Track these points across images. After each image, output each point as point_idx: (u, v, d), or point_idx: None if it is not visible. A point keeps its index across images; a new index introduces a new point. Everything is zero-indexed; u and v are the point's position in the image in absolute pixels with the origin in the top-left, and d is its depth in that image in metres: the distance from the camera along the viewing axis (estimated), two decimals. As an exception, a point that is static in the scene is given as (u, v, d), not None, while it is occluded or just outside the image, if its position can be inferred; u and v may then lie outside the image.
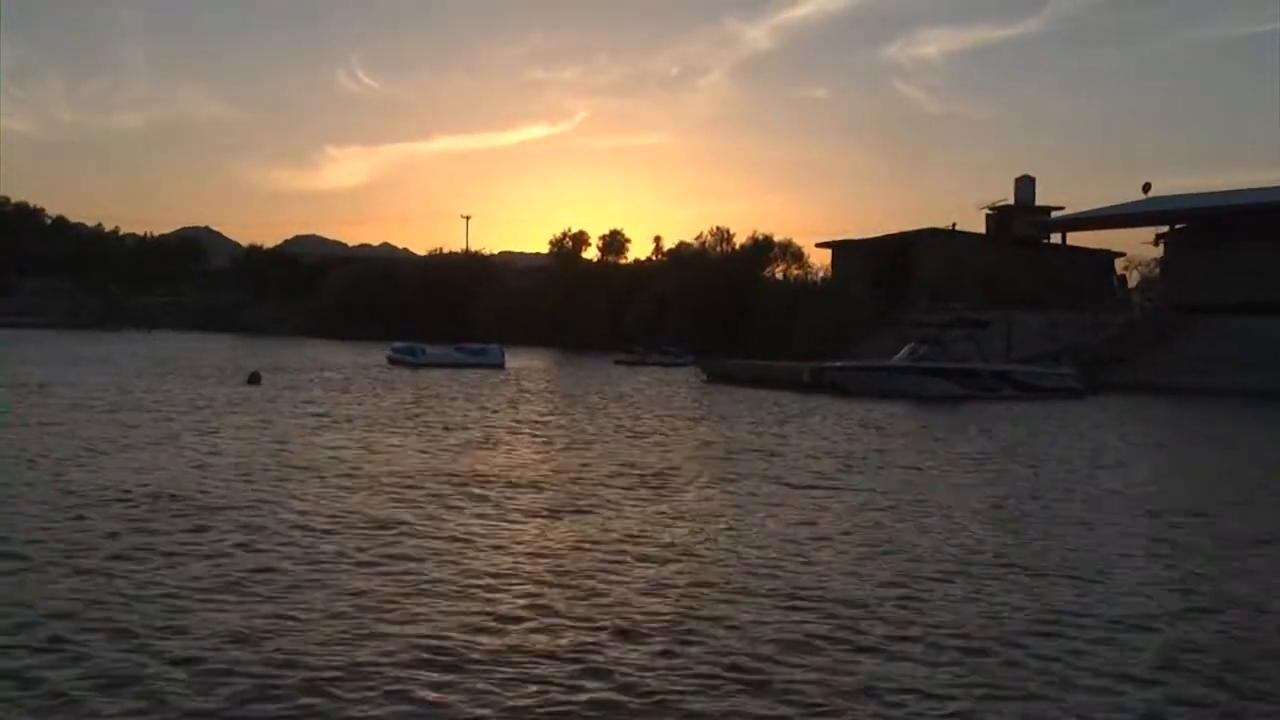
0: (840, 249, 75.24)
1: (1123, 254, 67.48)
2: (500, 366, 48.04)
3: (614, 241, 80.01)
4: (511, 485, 14.88)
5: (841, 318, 55.73)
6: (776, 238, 72.63)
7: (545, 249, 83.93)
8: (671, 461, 17.94)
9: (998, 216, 74.16)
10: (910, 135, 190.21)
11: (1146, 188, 62.29)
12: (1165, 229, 58.89)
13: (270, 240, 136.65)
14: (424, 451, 18.56)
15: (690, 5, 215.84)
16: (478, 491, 14.26)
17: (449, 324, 78.85)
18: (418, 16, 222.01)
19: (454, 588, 9.20)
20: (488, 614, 8.41)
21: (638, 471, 16.51)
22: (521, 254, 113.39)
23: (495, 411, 27.16)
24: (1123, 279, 66.17)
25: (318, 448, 18.46)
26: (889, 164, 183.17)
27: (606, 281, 76.48)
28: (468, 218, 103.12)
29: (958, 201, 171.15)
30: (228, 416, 23.53)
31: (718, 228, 70.84)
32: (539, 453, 19.02)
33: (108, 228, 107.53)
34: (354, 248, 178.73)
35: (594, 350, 68.51)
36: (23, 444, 17.58)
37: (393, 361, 50.63)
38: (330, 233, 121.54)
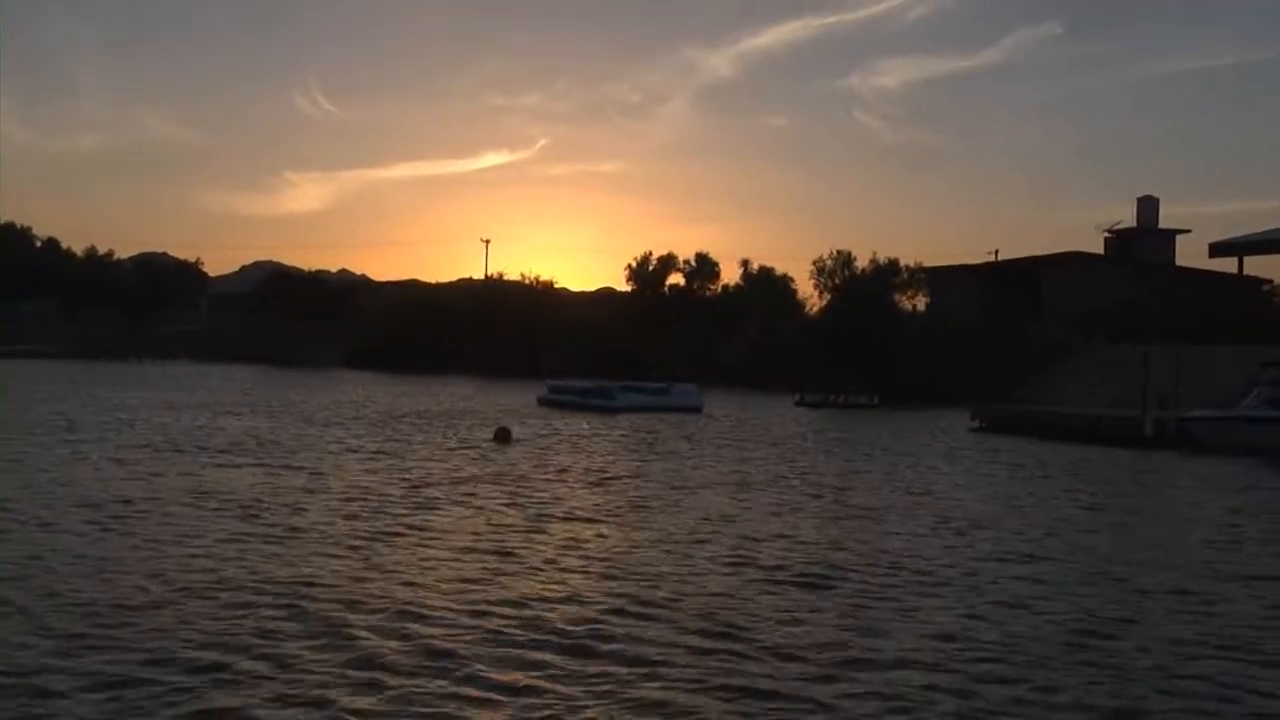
0: (943, 275, 69.76)
1: (1270, 280, 63.11)
2: (699, 409, 41.16)
3: (702, 268, 73.19)
4: None
5: (1033, 353, 49.94)
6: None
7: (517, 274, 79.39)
8: None
9: (1118, 240, 69.52)
10: (869, 163, 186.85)
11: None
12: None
13: (229, 266, 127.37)
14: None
15: (650, 33, 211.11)
16: None
17: (510, 355, 71.87)
18: (377, 41, 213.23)
19: None
20: None
21: None
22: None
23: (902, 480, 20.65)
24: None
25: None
26: (849, 192, 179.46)
27: (697, 311, 69.79)
28: (487, 241, 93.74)
29: (923, 231, 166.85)
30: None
31: (837, 251, 64.07)
32: None
33: (101, 250, 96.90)
34: (312, 273, 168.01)
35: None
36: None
37: (551, 404, 43.16)
38: (288, 258, 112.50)
